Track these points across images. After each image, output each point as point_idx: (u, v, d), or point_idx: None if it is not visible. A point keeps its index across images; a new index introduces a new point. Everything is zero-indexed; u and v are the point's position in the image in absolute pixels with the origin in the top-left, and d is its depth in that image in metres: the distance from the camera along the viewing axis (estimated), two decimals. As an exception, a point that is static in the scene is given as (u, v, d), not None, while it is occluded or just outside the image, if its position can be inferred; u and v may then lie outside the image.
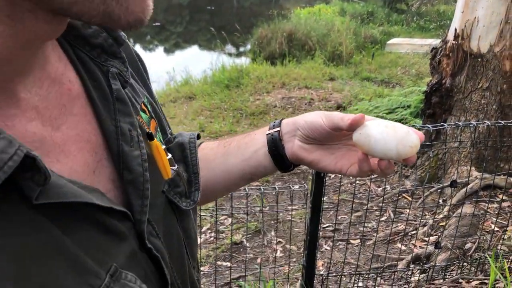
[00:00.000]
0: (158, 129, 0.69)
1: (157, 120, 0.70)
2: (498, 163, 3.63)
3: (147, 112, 0.65)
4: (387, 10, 15.13)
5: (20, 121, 0.45)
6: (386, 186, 4.12)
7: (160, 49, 15.71)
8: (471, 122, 2.87)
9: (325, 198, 4.07)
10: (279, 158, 0.78)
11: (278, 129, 0.79)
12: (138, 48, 15.34)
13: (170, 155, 0.66)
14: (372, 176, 4.32)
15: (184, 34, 18.49)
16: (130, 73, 0.64)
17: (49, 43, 0.50)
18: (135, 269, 0.51)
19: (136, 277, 0.50)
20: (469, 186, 3.42)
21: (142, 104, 0.65)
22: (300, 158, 0.77)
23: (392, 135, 0.66)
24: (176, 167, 0.67)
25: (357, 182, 4.33)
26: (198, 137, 0.81)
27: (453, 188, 3.43)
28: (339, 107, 6.88)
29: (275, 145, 0.78)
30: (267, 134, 0.79)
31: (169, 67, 9.97)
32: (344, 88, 7.88)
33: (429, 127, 2.36)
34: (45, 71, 0.49)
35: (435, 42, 9.26)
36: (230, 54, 11.71)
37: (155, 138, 0.62)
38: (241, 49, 13.46)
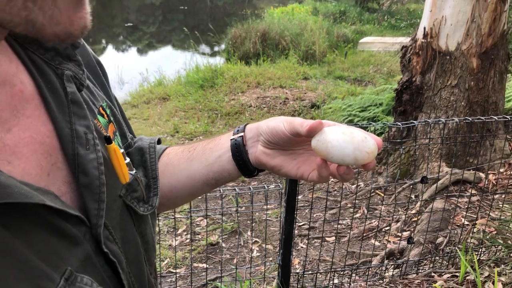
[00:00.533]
0: (117, 133, 0.69)
1: (116, 125, 0.70)
2: (467, 158, 3.72)
3: (105, 116, 0.65)
4: (359, 9, 15.32)
5: None
6: (360, 183, 4.18)
7: (133, 50, 15.53)
8: (440, 119, 2.94)
9: (300, 197, 4.10)
10: (243, 163, 0.78)
11: (242, 134, 0.79)
12: (110, 49, 15.15)
13: (128, 159, 0.66)
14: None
15: (157, 34, 18.32)
16: (88, 76, 0.64)
17: None
18: (91, 273, 0.51)
19: (92, 280, 0.50)
20: (439, 182, 3.49)
21: (100, 108, 0.64)
22: (263, 163, 0.77)
23: (349, 141, 0.67)
24: (135, 171, 0.67)
25: (332, 180, 4.37)
26: (159, 142, 0.81)
27: (424, 184, 3.50)
28: (313, 106, 6.93)
29: (238, 151, 0.78)
30: (231, 140, 0.79)
31: (142, 67, 9.87)
32: (318, 87, 7.95)
33: (399, 125, 2.40)
34: None
35: (406, 40, 9.41)
36: (204, 54, 11.65)
37: (113, 142, 0.61)
38: (215, 49, 13.42)
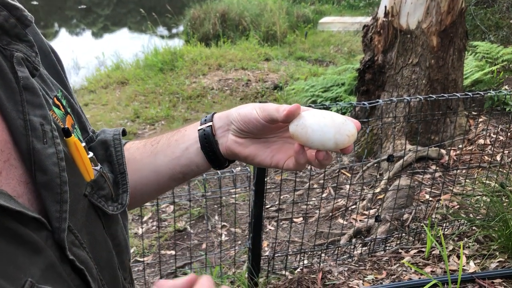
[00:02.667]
0: (76, 127, 0.62)
1: (76, 117, 0.63)
2: (429, 135, 3.79)
3: (61, 107, 0.58)
4: (318, -11, 15.28)
5: None
6: (326, 164, 4.19)
7: (88, 33, 14.99)
8: (404, 97, 2.96)
9: (267, 179, 4.08)
10: (212, 154, 0.73)
11: (210, 123, 0.74)
12: (63, 33, 14.56)
13: (91, 154, 0.59)
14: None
15: (113, 16, 17.73)
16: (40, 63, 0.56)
17: None
18: (56, 283, 0.45)
19: None
20: (404, 159, 3.55)
21: (55, 98, 0.57)
22: (235, 153, 0.73)
23: (330, 125, 0.65)
24: (100, 167, 0.61)
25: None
26: (124, 133, 0.74)
27: (390, 162, 3.55)
28: (276, 87, 6.90)
29: (207, 141, 0.73)
30: (198, 130, 0.74)
31: (98, 51, 9.54)
32: (280, 68, 7.91)
33: (365, 104, 2.40)
34: None
35: (366, 20, 9.49)
36: (162, 37, 11.37)
37: (72, 134, 0.54)
38: (174, 30, 13.12)
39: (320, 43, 9.81)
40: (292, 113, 0.65)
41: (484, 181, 3.09)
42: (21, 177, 0.47)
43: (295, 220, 3.53)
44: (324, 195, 3.79)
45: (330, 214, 3.42)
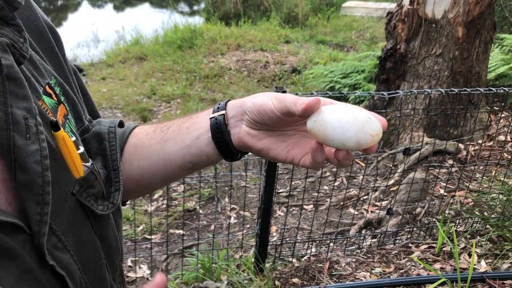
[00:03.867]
0: (69, 117, 0.58)
1: (70, 105, 0.59)
2: (448, 129, 3.70)
3: (53, 96, 0.54)
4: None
5: None
6: (340, 151, 4.14)
7: (109, 6, 14.94)
8: (425, 89, 2.88)
9: (279, 164, 4.05)
10: (224, 145, 0.69)
11: (223, 112, 0.69)
12: (85, 4, 14.55)
13: (82, 149, 0.56)
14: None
15: (135, -10, 17.63)
16: (33, 46, 0.52)
17: None
18: None
19: None
20: (420, 152, 3.48)
21: (47, 86, 0.53)
22: (248, 145, 0.68)
23: (352, 122, 0.59)
24: (91, 163, 0.57)
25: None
26: (121, 125, 0.70)
27: (406, 155, 3.48)
28: (294, 71, 6.81)
29: (219, 131, 0.68)
30: (210, 118, 0.69)
31: (119, 25, 9.51)
32: (299, 51, 7.80)
33: (384, 95, 2.33)
34: None
35: (390, 6, 9.26)
36: (182, 13, 11.29)
37: (61, 129, 0.51)
38: (195, 8, 13.02)
39: (342, 27, 9.63)
40: (310, 107, 0.59)
41: (502, 179, 3.01)
42: None
43: (305, 207, 3.50)
44: (336, 183, 3.74)
45: (341, 203, 3.38)
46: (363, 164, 3.86)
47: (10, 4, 0.47)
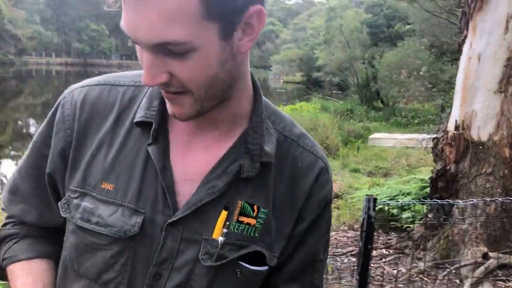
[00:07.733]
0: None
1: None
2: (508, 243, 3.83)
3: None
4: (365, 107, 16.11)
5: None
6: (400, 268, 4.22)
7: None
8: (487, 199, 3.10)
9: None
10: None
11: None
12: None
13: None
14: (386, 259, 4.45)
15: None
16: None
17: None
18: None
19: None
20: (485, 265, 3.58)
21: None
22: None
23: None
24: None
25: (372, 265, 4.41)
26: None
27: (469, 268, 3.57)
28: (337, 196, 7.10)
29: None
30: None
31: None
32: (337, 178, 8.17)
33: (461, 203, 2.56)
34: None
35: (419, 136, 9.91)
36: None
37: None
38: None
39: (372, 157, 10.13)
40: None
41: None
42: None
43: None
44: (403, 299, 3.77)
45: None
46: (427, 280, 3.92)
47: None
